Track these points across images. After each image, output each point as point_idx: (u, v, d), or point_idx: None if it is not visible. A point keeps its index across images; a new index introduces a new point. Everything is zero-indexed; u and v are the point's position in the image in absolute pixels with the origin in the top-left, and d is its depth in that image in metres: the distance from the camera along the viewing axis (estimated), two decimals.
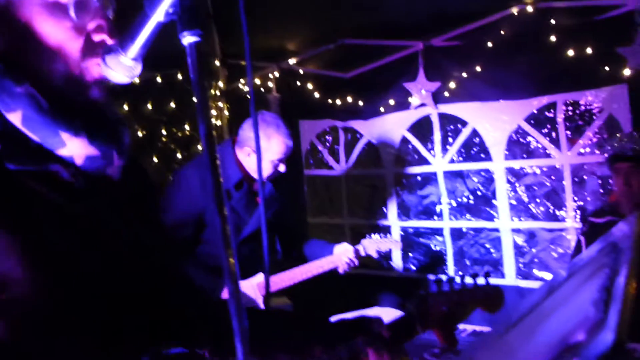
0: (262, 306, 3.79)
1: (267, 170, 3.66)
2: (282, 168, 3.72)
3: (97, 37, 1.22)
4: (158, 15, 1.13)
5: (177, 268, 1.53)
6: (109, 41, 1.24)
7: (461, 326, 4.30)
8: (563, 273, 1.16)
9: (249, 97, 5.04)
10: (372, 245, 4.17)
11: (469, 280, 2.14)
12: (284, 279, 3.87)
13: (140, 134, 5.28)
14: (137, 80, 5.00)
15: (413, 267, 5.61)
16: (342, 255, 3.96)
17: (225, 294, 3.67)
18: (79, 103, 1.23)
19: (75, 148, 1.18)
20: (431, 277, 5.34)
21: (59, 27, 1.18)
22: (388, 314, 3.51)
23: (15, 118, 1.13)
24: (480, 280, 2.16)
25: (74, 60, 1.20)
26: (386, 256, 5.70)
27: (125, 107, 5.07)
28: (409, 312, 2.05)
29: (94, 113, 1.27)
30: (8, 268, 1.04)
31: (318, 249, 4.10)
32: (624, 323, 0.71)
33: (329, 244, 4.11)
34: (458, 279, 2.14)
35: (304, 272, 3.93)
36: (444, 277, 2.14)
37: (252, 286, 3.72)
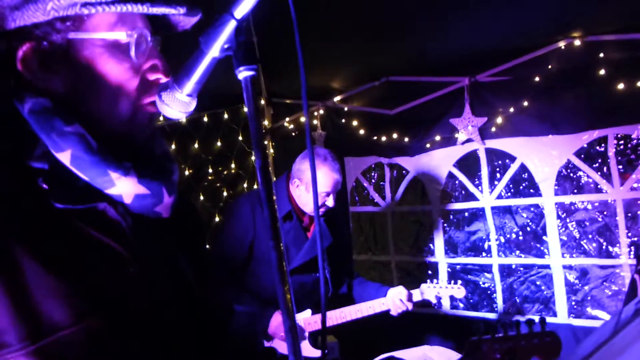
0: (306, 344, 3.76)
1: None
2: (330, 202, 3.71)
3: (152, 77, 1.24)
4: (213, 52, 1.15)
5: (224, 313, 1.51)
6: (164, 80, 1.25)
7: None
8: (628, 311, 1.11)
9: (293, 134, 5.12)
10: (430, 291, 4.07)
11: (524, 324, 2.06)
12: (332, 317, 3.84)
13: (187, 172, 5.34)
14: (184, 120, 5.12)
15: (461, 305, 5.51)
16: (395, 298, 3.89)
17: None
18: (130, 142, 1.24)
19: (124, 187, 1.19)
20: (483, 318, 5.25)
21: (120, 67, 1.19)
22: (436, 352, 3.45)
23: (64, 157, 1.14)
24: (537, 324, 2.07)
25: (131, 100, 1.22)
26: None
27: (173, 147, 5.14)
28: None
29: (144, 151, 1.28)
30: (55, 310, 1.04)
31: (372, 291, 4.05)
32: None
33: (382, 286, 4.07)
34: (508, 321, 2.06)
35: (354, 312, 3.89)
36: (492, 318, 2.07)
37: (298, 323, 3.70)
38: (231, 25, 1.10)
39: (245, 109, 1.04)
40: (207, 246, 3.67)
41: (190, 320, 1.28)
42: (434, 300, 4.11)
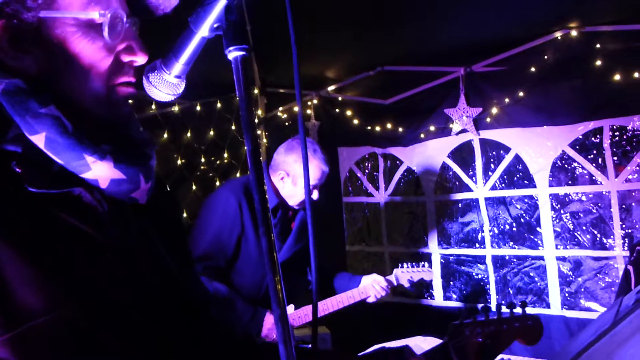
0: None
1: (300, 197, 3.58)
2: (315, 195, 3.65)
3: (126, 58, 1.21)
4: (203, 31, 1.12)
5: (204, 299, 1.47)
6: (139, 62, 1.22)
7: (505, 357, 4.19)
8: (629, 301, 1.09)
9: (287, 124, 5.07)
10: (404, 275, 4.17)
11: (505, 309, 2.07)
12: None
13: (179, 162, 5.30)
14: (176, 109, 5.07)
15: (454, 296, 5.50)
16: (374, 284, 3.92)
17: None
18: (106, 125, 1.21)
19: (100, 171, 1.15)
20: (468, 306, 5.25)
21: (92, 47, 1.16)
22: (429, 343, 3.44)
23: (38, 140, 1.10)
24: (518, 310, 2.08)
25: (103, 80, 1.18)
26: (426, 285, 5.61)
27: (165, 135, 5.10)
28: (444, 343, 1.99)
29: (120, 135, 1.25)
30: (29, 298, 1.01)
31: (345, 282, 4.06)
32: None
33: (354, 276, 4.12)
34: (494, 308, 2.08)
35: (336, 303, 3.93)
36: (479, 306, 2.08)
37: None
38: (221, 4, 1.07)
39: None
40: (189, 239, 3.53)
41: (170, 309, 1.24)
42: (407, 284, 4.21)
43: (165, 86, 1.21)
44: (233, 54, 1.04)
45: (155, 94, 1.22)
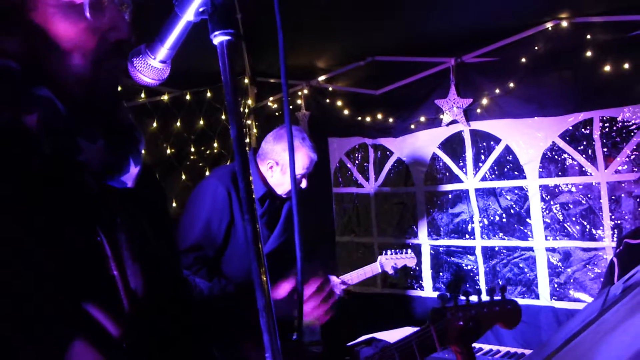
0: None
1: (288, 186, 3.55)
2: (303, 184, 3.63)
3: (112, 38, 1.18)
4: (188, 15, 1.10)
5: (187, 285, 1.47)
6: (125, 42, 1.20)
7: (494, 347, 4.21)
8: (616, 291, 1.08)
9: (277, 114, 5.04)
10: (388, 262, 4.24)
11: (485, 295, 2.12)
12: None
13: (169, 151, 5.28)
14: (166, 98, 5.04)
15: (443, 287, 5.51)
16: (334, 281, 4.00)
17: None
18: (95, 108, 1.19)
19: (91, 154, 1.14)
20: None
21: (75, 27, 1.13)
22: None
23: (31, 122, 1.08)
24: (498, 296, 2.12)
25: (88, 61, 1.16)
26: (415, 276, 5.63)
27: (155, 125, 5.07)
28: (426, 327, 2.01)
29: (110, 118, 1.23)
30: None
31: None
32: None
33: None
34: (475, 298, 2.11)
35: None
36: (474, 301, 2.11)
37: None
38: None
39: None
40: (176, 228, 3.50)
41: (161, 294, 1.23)
42: (390, 271, 4.27)
43: (150, 71, 1.19)
44: (218, 38, 1.02)
45: (140, 79, 1.20)
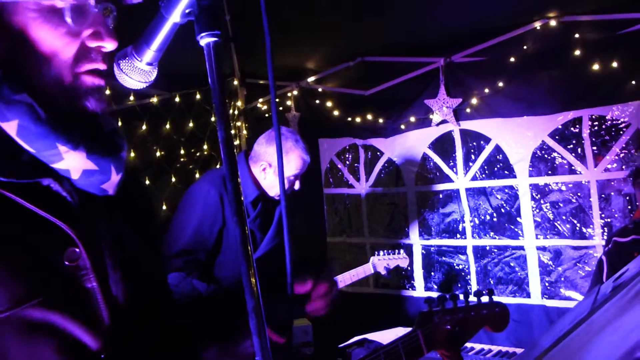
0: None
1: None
2: (297, 185, 3.61)
3: (92, 44, 1.16)
4: (174, 17, 1.09)
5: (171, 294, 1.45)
6: (107, 48, 1.17)
7: (486, 346, 4.21)
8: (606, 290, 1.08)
9: (267, 115, 5.03)
10: (381, 262, 4.26)
11: (473, 297, 2.11)
12: None
13: (158, 154, 5.26)
14: (155, 101, 5.02)
15: (435, 287, 5.51)
16: None
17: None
18: (76, 114, 1.16)
19: (72, 161, 1.12)
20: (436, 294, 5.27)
21: (55, 32, 1.11)
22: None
23: (10, 128, 1.07)
24: (485, 298, 2.12)
25: (68, 66, 1.14)
26: (407, 276, 5.63)
27: (144, 127, 5.05)
28: (413, 331, 2.01)
29: (91, 125, 1.21)
30: None
31: None
32: None
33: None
34: (462, 297, 2.11)
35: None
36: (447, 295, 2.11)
37: None
38: None
39: None
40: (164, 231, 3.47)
41: (141, 303, 1.21)
42: (383, 272, 4.30)
43: (137, 73, 1.18)
44: (205, 39, 1.01)
45: (127, 82, 1.19)
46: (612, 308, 0.92)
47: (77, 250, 1.09)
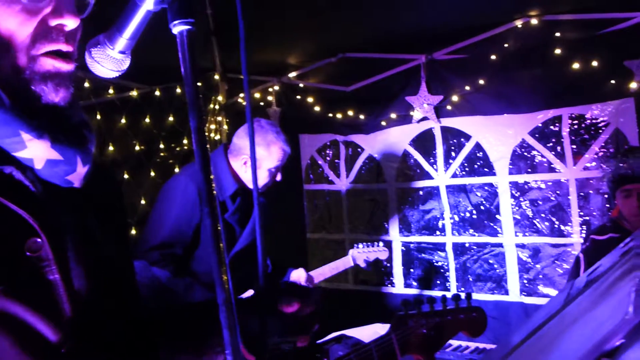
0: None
1: (264, 179, 3.50)
2: (279, 177, 3.60)
3: (53, 21, 1.08)
4: (147, 4, 1.07)
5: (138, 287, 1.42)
6: (68, 26, 1.10)
7: (463, 343, 4.23)
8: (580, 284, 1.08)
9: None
10: (360, 255, 4.26)
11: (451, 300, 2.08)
12: None
13: (138, 148, 5.21)
14: (135, 94, 4.97)
15: (414, 283, 5.52)
16: (300, 279, 3.94)
17: None
18: (38, 101, 1.09)
19: (36, 150, 1.07)
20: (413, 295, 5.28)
21: (9, 10, 1.04)
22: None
23: None
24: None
25: (23, 49, 1.06)
26: (387, 273, 5.63)
27: (124, 121, 5.00)
28: (387, 334, 1.98)
29: (57, 114, 1.15)
30: None
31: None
32: None
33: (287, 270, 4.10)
34: (440, 300, 2.08)
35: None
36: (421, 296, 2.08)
37: None
38: None
39: (199, 83, 0.94)
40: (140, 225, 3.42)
41: (105, 298, 1.18)
42: (363, 265, 4.31)
43: (109, 62, 1.15)
44: (178, 27, 0.99)
45: (99, 70, 1.16)
46: (584, 302, 0.92)
47: (39, 240, 1.05)
